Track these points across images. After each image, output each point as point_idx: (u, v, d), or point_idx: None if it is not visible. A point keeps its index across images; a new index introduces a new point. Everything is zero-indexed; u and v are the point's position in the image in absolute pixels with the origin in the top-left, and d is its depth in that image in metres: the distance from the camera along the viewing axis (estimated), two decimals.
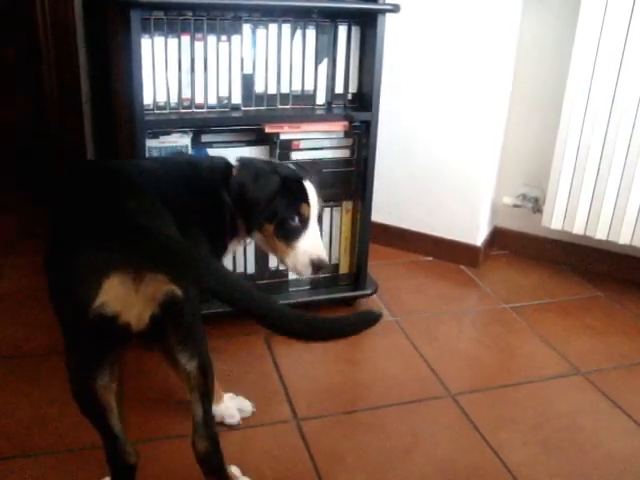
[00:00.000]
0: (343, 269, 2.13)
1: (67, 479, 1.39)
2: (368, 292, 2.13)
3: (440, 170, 2.45)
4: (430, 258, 2.55)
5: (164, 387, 1.68)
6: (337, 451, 1.52)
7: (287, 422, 1.60)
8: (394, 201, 2.55)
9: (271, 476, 1.43)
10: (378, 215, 2.39)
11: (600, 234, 2.26)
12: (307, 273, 1.56)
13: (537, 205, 2.47)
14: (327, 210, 2.04)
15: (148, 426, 1.56)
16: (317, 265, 1.54)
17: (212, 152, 1.87)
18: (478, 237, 2.48)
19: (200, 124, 1.84)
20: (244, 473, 1.40)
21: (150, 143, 1.80)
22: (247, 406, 1.61)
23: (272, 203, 1.51)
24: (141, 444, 1.46)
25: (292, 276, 2.06)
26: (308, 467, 1.46)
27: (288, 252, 1.55)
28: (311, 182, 1.59)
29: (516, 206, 2.52)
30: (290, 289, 2.08)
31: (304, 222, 1.55)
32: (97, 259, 1.03)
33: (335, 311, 2.09)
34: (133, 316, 1.09)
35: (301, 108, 1.95)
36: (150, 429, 1.55)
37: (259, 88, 1.90)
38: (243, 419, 1.58)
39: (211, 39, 1.81)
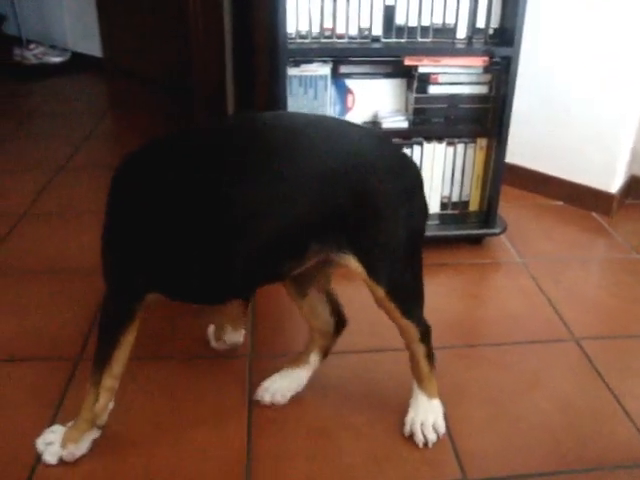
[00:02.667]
0: (473, 206, 2.13)
1: None
2: (497, 231, 2.12)
3: (578, 112, 2.37)
4: (561, 203, 2.49)
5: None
6: (460, 382, 1.56)
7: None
8: (528, 141, 2.48)
9: (395, 400, 1.48)
10: (510, 155, 2.34)
11: None
12: None
13: None
14: (461, 146, 2.04)
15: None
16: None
17: (351, 83, 1.89)
18: (614, 184, 2.39)
19: (340, 54, 1.87)
20: (367, 396, 1.47)
21: (291, 72, 1.85)
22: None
23: None
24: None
25: None
26: None
27: None
28: None
29: None
30: None
31: None
32: None
33: (463, 248, 2.09)
34: None
35: (441, 42, 1.93)
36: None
37: (400, 20, 1.89)
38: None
39: None
